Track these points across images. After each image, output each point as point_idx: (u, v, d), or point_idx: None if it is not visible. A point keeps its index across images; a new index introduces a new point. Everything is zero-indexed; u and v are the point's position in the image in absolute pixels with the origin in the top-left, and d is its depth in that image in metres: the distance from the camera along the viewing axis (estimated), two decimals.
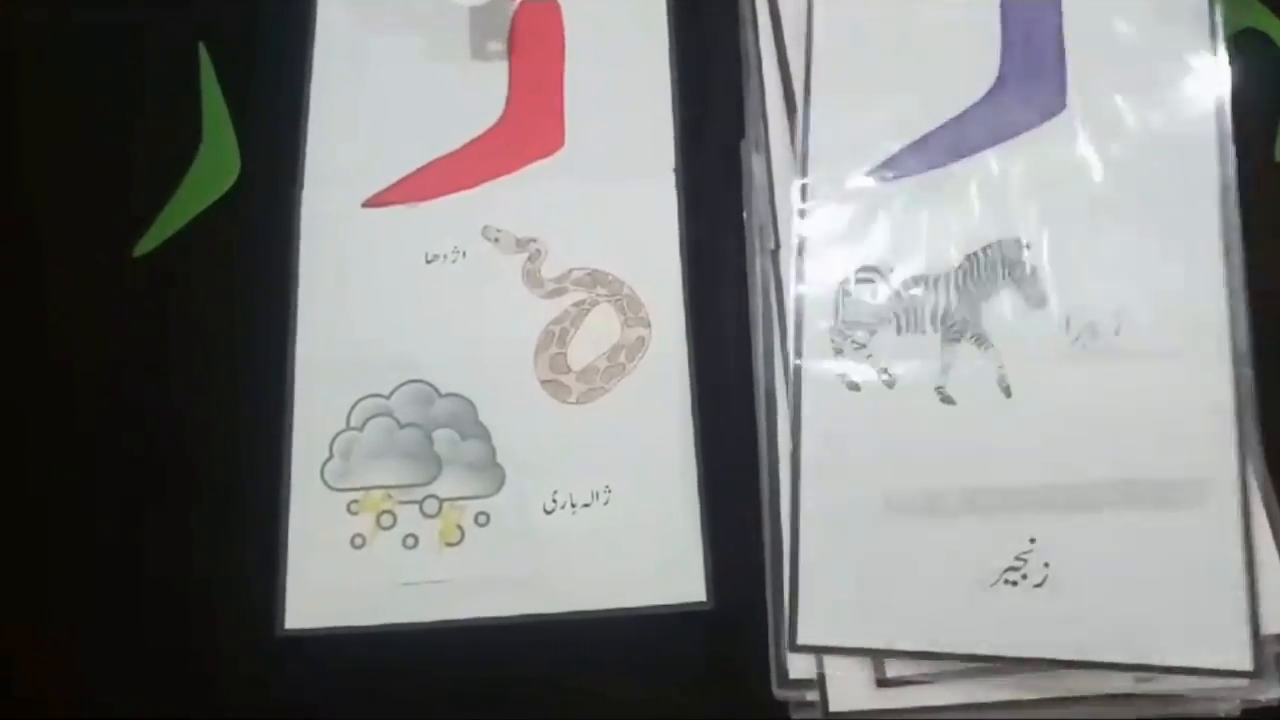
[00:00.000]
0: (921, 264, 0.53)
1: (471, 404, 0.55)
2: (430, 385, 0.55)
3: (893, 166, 0.55)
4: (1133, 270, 0.52)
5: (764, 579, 0.50)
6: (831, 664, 0.48)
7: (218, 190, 0.59)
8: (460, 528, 0.53)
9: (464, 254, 0.57)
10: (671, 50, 0.60)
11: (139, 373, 0.57)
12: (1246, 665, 0.47)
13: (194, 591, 0.53)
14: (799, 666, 0.49)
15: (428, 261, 0.57)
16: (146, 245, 0.58)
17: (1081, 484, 0.50)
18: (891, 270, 0.54)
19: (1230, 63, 0.55)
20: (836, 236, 0.54)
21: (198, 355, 0.57)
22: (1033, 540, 0.49)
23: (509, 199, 0.58)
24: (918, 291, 0.53)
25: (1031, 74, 0.56)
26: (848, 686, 0.48)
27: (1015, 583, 0.49)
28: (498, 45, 0.60)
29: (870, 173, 0.55)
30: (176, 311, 0.58)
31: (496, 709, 0.51)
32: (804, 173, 0.55)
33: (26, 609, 0.53)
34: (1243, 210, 0.53)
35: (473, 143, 0.59)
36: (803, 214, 0.54)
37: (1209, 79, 0.55)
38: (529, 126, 0.59)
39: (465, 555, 0.52)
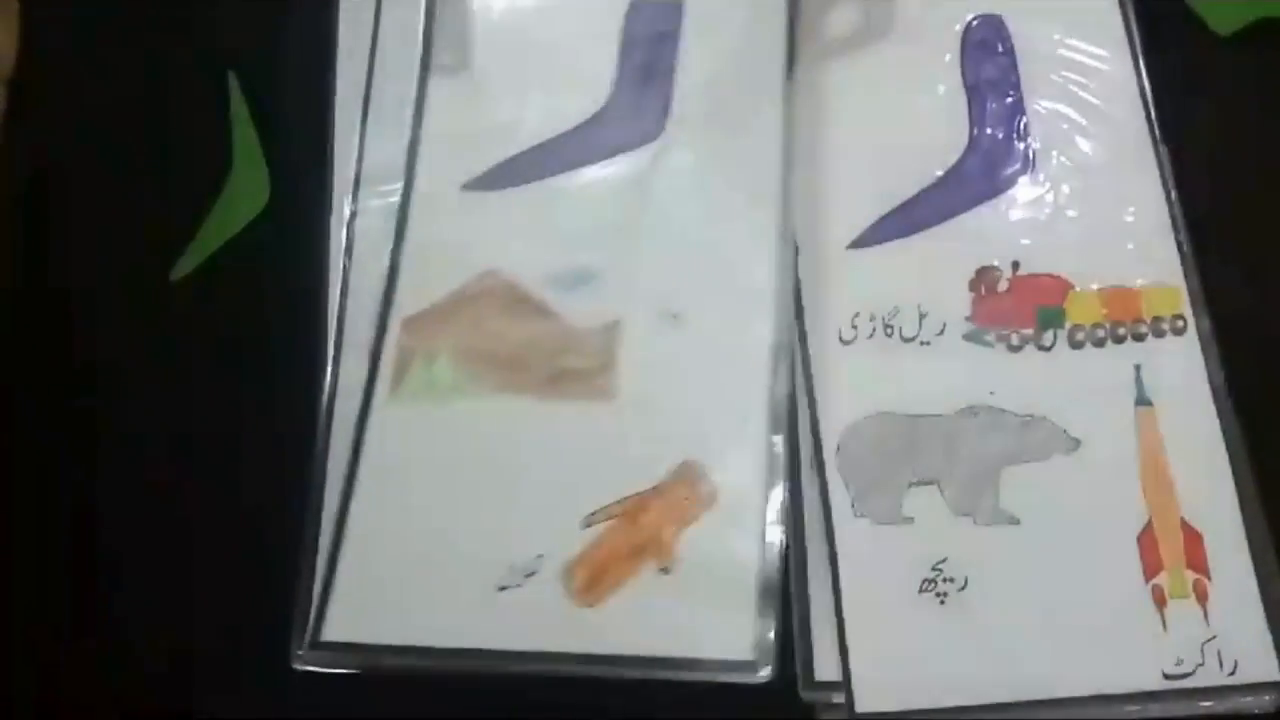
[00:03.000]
0: None
1: None
2: None
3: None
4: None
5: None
6: (858, 664, 0.49)
7: (249, 214, 0.60)
8: None
9: None
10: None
11: (174, 394, 0.58)
12: None
13: (230, 606, 0.53)
14: (825, 669, 0.50)
15: None
16: (182, 269, 0.59)
17: None
18: None
19: (1248, 54, 0.58)
20: None
21: (230, 377, 0.58)
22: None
23: None
24: None
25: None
26: (874, 688, 0.49)
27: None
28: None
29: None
30: (210, 332, 0.59)
31: None
32: None
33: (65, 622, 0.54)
34: (1263, 207, 0.56)
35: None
36: None
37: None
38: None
39: None
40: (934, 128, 0.59)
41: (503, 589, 0.50)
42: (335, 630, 0.50)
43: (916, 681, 0.50)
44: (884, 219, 0.57)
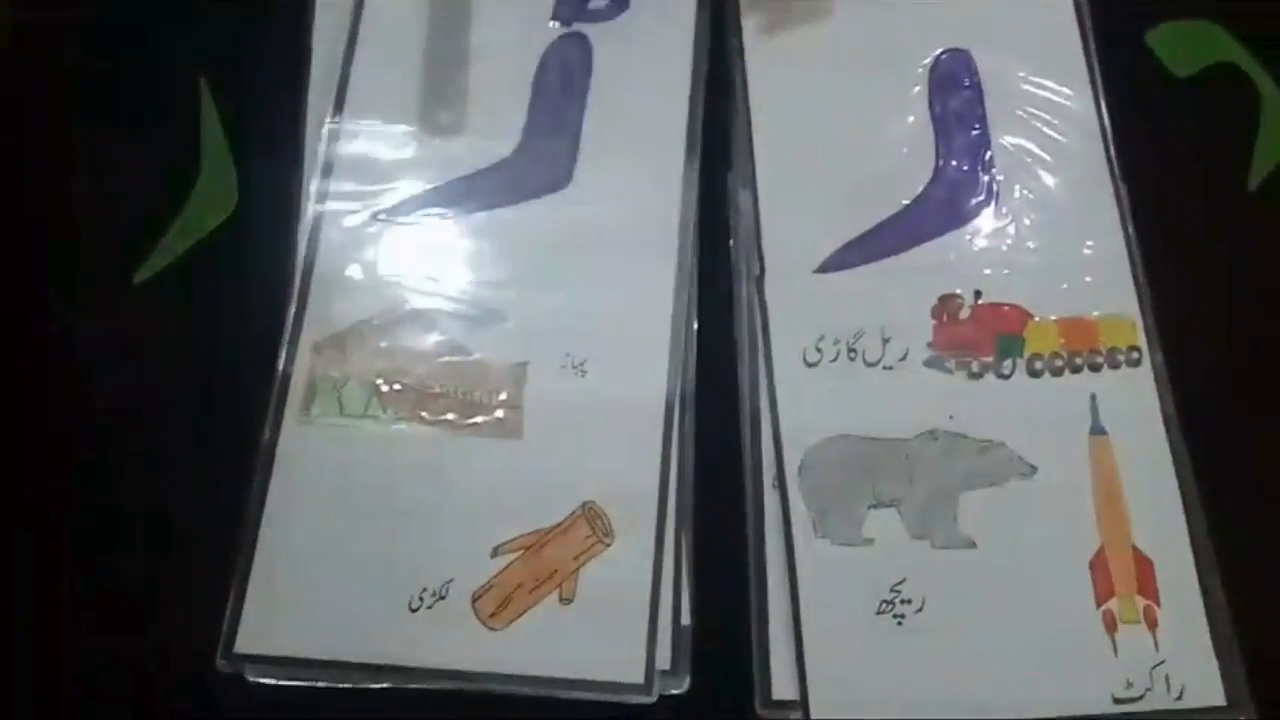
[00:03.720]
0: None
1: None
2: None
3: None
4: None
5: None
6: (815, 683, 0.50)
7: (215, 220, 0.60)
8: None
9: None
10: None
11: (133, 394, 0.57)
12: None
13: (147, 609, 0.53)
14: (783, 688, 0.51)
15: None
16: (145, 273, 0.59)
17: None
18: None
19: (1203, 96, 0.60)
20: None
21: (190, 381, 0.58)
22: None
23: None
24: None
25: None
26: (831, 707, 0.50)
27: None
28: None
29: None
30: (172, 337, 0.58)
31: None
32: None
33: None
34: (1225, 240, 0.58)
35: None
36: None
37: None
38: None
39: None
40: (901, 157, 0.60)
41: (414, 609, 0.52)
42: (247, 643, 0.51)
43: (872, 701, 0.50)
44: (850, 245, 0.58)
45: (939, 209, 0.59)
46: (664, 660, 0.51)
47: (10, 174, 0.62)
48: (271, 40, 0.63)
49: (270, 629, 0.51)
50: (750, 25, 0.63)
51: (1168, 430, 0.55)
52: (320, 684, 0.51)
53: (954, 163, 0.60)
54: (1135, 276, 0.58)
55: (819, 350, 0.56)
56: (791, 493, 0.53)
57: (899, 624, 0.51)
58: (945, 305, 0.57)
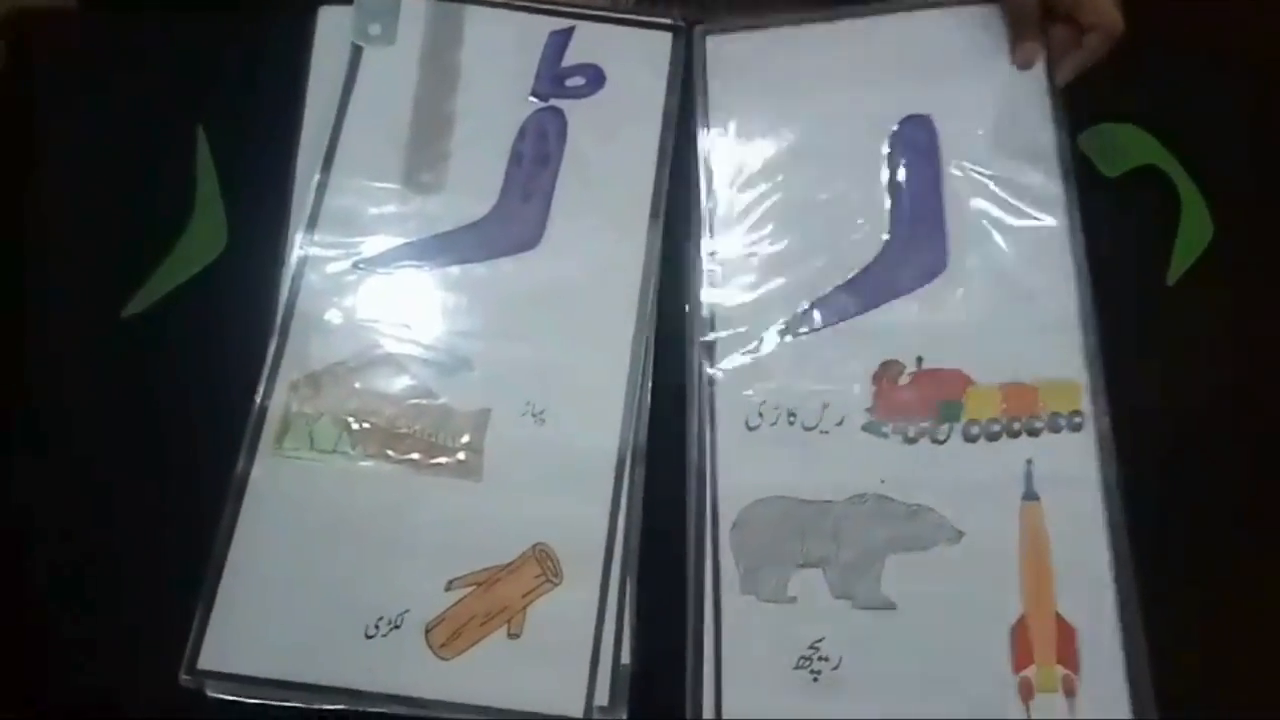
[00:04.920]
0: None
1: None
2: None
3: None
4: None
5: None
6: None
7: (204, 260, 0.64)
8: None
9: None
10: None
11: (115, 420, 0.61)
12: None
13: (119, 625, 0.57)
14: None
15: None
16: (134, 307, 0.63)
17: None
18: None
19: (1129, 196, 0.62)
20: None
21: (172, 412, 0.61)
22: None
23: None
24: None
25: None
26: None
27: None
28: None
29: None
30: (156, 369, 0.62)
31: None
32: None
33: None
34: (1140, 330, 0.59)
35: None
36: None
37: None
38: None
39: None
40: (852, 226, 0.62)
41: (370, 637, 0.55)
42: (209, 660, 0.54)
43: None
44: (798, 315, 0.60)
45: (888, 277, 0.61)
46: (603, 696, 0.54)
47: (13, 205, 0.66)
48: (268, 95, 0.67)
49: (233, 648, 0.55)
50: (712, 101, 0.65)
51: (1105, 497, 0.55)
52: (277, 703, 0.54)
53: (906, 232, 0.62)
54: (1085, 342, 0.58)
55: (760, 415, 0.58)
56: (722, 549, 0.56)
57: (814, 680, 0.53)
58: (886, 371, 0.59)
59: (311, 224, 0.64)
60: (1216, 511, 0.57)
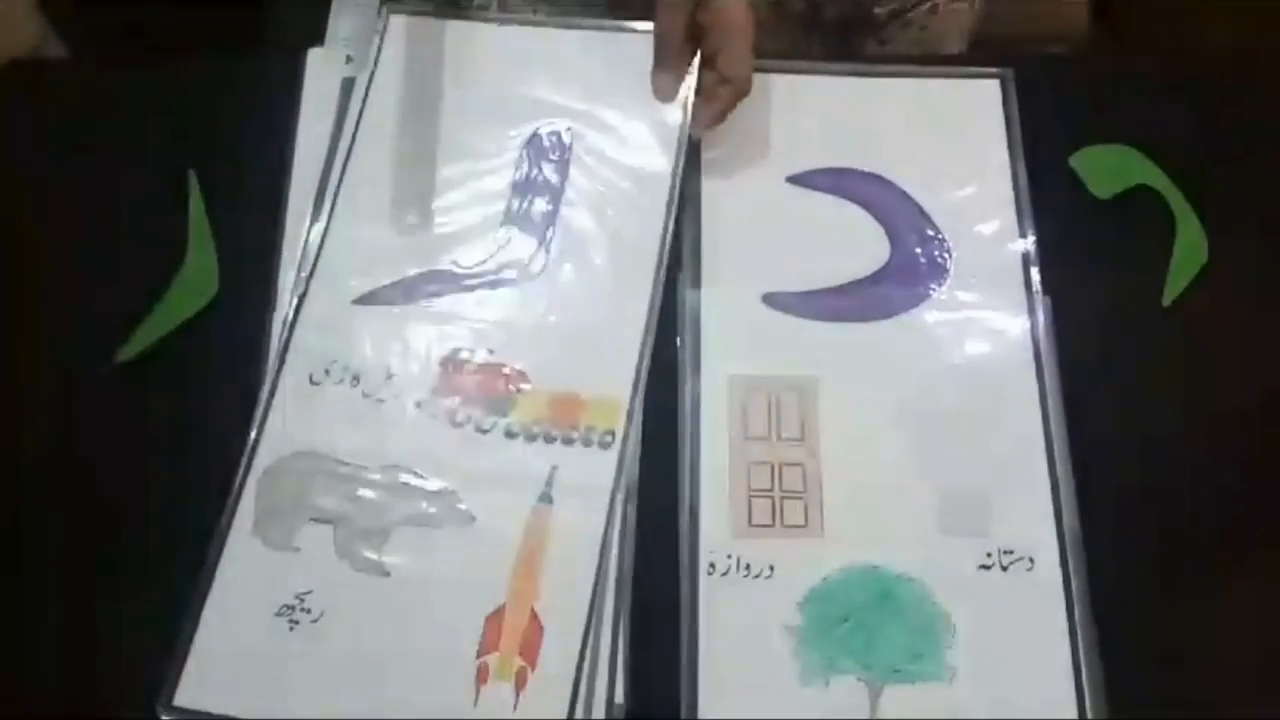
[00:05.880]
0: None
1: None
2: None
3: None
4: None
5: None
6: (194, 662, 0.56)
7: (197, 305, 0.64)
8: None
9: None
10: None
11: (104, 465, 0.61)
12: None
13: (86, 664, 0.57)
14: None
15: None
16: (127, 353, 0.62)
17: None
18: None
19: (1123, 216, 0.65)
20: None
21: (163, 455, 0.61)
22: None
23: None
24: None
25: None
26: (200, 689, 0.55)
27: None
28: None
29: None
30: (148, 414, 0.62)
31: None
32: None
33: None
34: (1137, 355, 0.62)
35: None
36: None
37: None
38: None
39: None
40: (471, 214, 0.66)
41: None
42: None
43: (244, 693, 0.55)
44: (390, 285, 0.64)
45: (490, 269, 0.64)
46: None
47: (5, 249, 0.67)
48: (258, 140, 0.68)
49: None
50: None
51: (609, 513, 0.58)
52: None
53: (517, 231, 0.65)
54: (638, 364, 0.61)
55: (326, 373, 0.62)
56: (246, 492, 0.59)
57: (291, 629, 0.56)
58: (454, 357, 0.62)
59: (313, 257, 0.64)
60: (1210, 530, 0.59)
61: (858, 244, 0.65)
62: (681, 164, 0.65)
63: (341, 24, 0.71)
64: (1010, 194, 0.66)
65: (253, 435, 0.60)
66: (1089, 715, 0.54)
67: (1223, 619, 0.57)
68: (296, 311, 0.63)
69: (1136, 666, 0.55)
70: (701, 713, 0.54)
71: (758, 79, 0.64)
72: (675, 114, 0.67)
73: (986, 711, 0.54)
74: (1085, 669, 0.55)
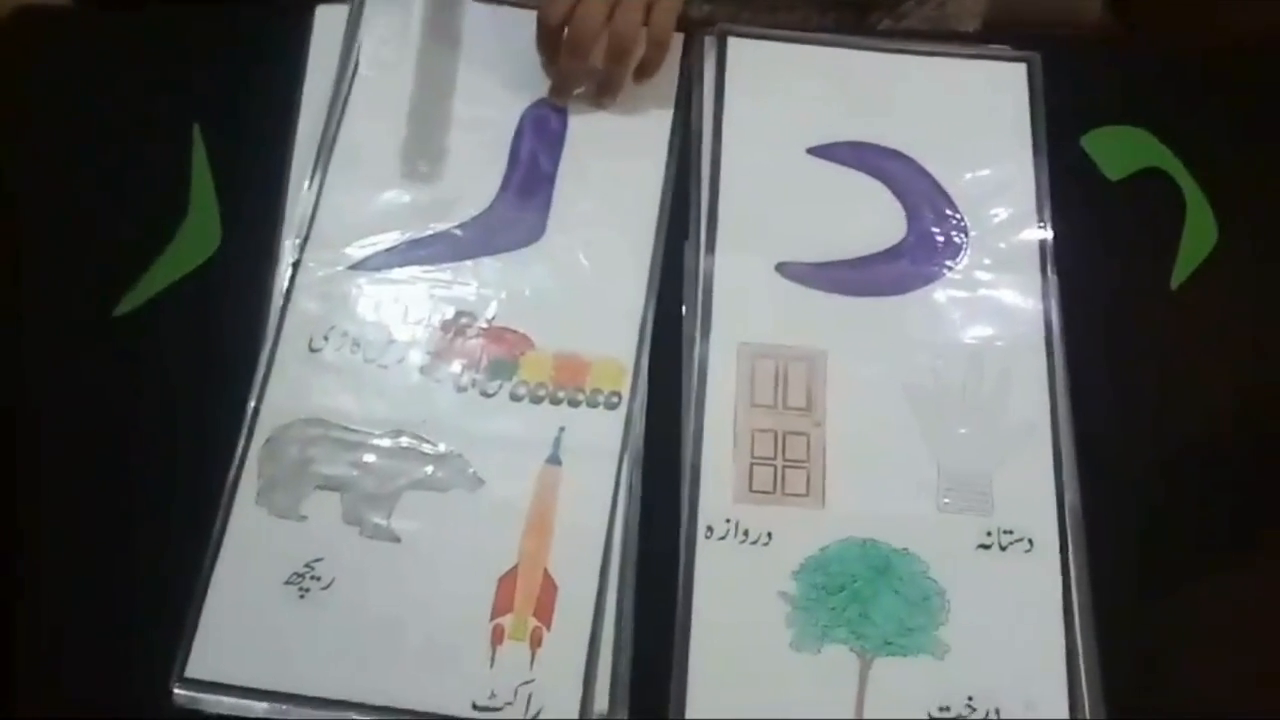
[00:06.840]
0: None
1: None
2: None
3: None
4: None
5: None
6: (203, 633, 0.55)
7: (198, 259, 0.63)
8: None
9: None
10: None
11: (105, 420, 0.60)
12: None
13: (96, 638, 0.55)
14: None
15: None
16: (126, 305, 0.62)
17: None
18: None
19: (1133, 197, 0.65)
20: None
21: (163, 411, 0.60)
22: None
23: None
24: None
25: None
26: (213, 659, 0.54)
27: None
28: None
29: None
30: (148, 368, 0.61)
31: None
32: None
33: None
34: (1139, 336, 0.62)
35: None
36: None
37: None
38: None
39: None
40: (469, 179, 0.66)
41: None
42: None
43: (256, 662, 0.54)
44: (384, 252, 0.64)
45: (484, 234, 0.64)
46: None
47: (7, 202, 0.66)
48: (264, 94, 0.67)
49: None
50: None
51: (618, 472, 0.58)
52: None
53: (514, 198, 0.65)
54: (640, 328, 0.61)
55: (325, 339, 0.61)
56: (249, 461, 0.58)
57: (301, 596, 0.55)
58: (456, 322, 0.62)
59: (306, 223, 0.63)
60: (1216, 514, 0.59)
61: (875, 219, 0.65)
62: (678, 125, 0.65)
63: None
64: (1031, 178, 0.67)
65: (252, 404, 0.59)
66: (1081, 700, 0.54)
67: (1229, 611, 0.57)
68: (292, 279, 0.62)
69: (1129, 654, 0.55)
70: (691, 674, 0.54)
71: (782, 48, 0.64)
72: (671, 78, 0.66)
73: (976, 689, 0.54)
74: (1082, 654, 0.55)
